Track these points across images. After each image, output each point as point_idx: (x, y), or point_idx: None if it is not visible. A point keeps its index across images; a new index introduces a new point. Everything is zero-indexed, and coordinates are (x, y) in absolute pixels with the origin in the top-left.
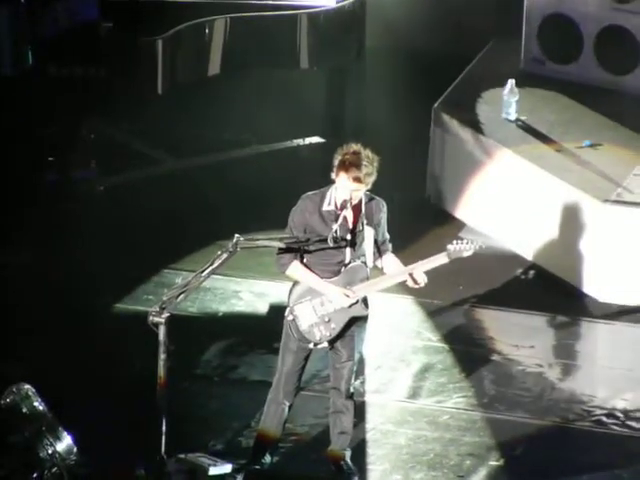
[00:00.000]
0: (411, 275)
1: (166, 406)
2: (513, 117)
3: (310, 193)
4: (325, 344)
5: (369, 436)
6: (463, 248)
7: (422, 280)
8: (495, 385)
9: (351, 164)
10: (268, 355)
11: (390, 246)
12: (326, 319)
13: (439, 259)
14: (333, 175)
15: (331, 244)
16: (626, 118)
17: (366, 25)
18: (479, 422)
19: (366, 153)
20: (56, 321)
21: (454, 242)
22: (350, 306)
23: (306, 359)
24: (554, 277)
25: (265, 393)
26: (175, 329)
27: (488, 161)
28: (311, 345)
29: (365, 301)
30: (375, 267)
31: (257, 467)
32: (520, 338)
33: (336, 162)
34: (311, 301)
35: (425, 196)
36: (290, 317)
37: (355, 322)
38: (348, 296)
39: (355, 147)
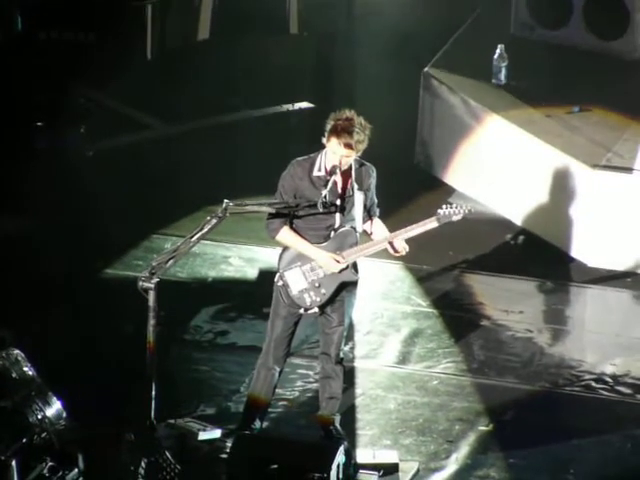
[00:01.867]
0: (391, 244)
1: (155, 371)
2: (503, 82)
3: (300, 159)
4: (315, 310)
5: (358, 401)
6: (453, 212)
7: (402, 248)
8: (484, 350)
9: (343, 130)
10: (257, 320)
11: (377, 211)
12: (316, 284)
13: (429, 224)
14: (324, 140)
15: (320, 209)
16: (615, 83)
17: None
18: (468, 387)
19: (359, 120)
20: (45, 287)
21: (444, 206)
22: (340, 271)
23: (296, 325)
24: (543, 242)
25: (255, 358)
26: (164, 294)
27: (477, 126)
28: (301, 311)
29: (355, 266)
30: (364, 232)
31: (247, 432)
32: (509, 303)
33: (328, 127)
34: (301, 267)
35: (414, 161)
36: (280, 283)
37: (345, 287)
38: (338, 261)
39: (348, 113)
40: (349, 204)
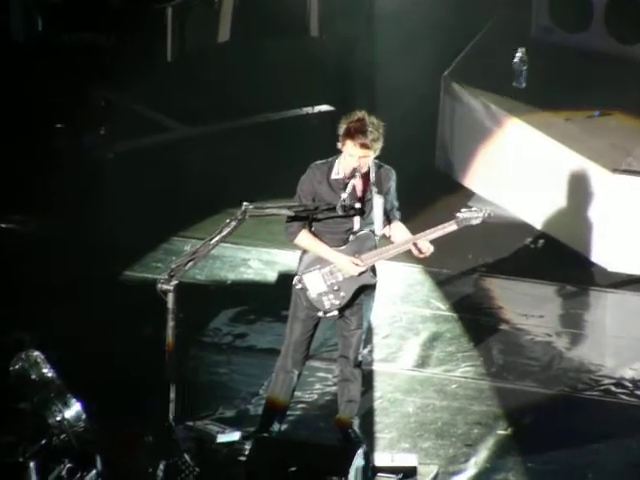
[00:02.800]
0: (415, 245)
1: (174, 373)
2: (523, 86)
3: (318, 162)
4: (334, 313)
5: (377, 404)
6: (472, 216)
7: (427, 249)
8: (503, 354)
9: (356, 131)
10: (276, 323)
11: (398, 214)
12: (335, 288)
13: (448, 227)
14: (339, 145)
15: (340, 212)
16: (636, 87)
17: None
18: (487, 391)
19: (371, 119)
20: (65, 289)
21: (463, 210)
22: (359, 275)
23: (315, 328)
24: (563, 246)
25: (274, 361)
26: (184, 297)
27: (497, 130)
28: (320, 314)
29: (373, 269)
30: (383, 236)
31: (265, 435)
32: (529, 307)
33: (341, 131)
34: (320, 270)
35: (434, 165)
36: (299, 286)
37: (364, 291)
38: (357, 264)
39: (359, 114)
40: (368, 207)
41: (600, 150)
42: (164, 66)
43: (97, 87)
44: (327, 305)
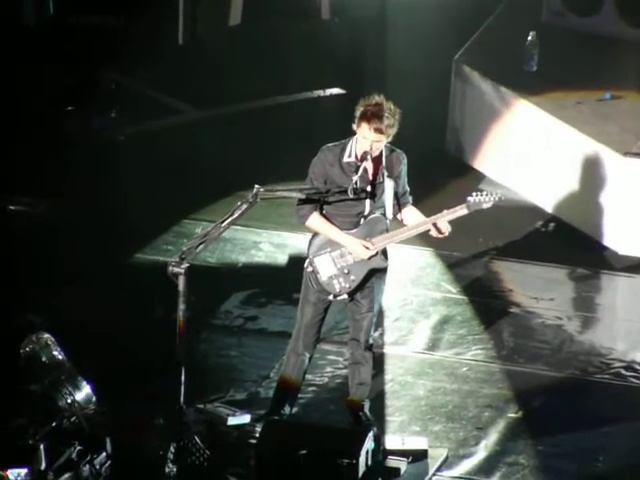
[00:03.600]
0: (435, 225)
1: (185, 356)
2: (534, 69)
3: (330, 145)
4: (345, 296)
5: (388, 387)
6: (483, 200)
7: (446, 229)
8: (514, 337)
9: (373, 115)
10: (287, 306)
11: (411, 199)
12: (345, 271)
13: (459, 211)
14: (354, 126)
15: (351, 195)
16: None
17: None
18: (498, 374)
19: (388, 105)
20: (75, 271)
21: (474, 194)
22: (369, 258)
23: (325, 311)
24: (574, 230)
25: (284, 344)
26: (195, 279)
27: (508, 113)
28: (330, 297)
29: (384, 253)
30: (395, 219)
31: (276, 417)
32: (540, 290)
33: (358, 113)
34: (330, 253)
35: (445, 148)
36: (309, 269)
37: (374, 274)
38: (367, 248)
39: (377, 99)
40: (379, 191)
41: (611, 133)
42: (175, 49)
43: (108, 70)
44: (337, 288)
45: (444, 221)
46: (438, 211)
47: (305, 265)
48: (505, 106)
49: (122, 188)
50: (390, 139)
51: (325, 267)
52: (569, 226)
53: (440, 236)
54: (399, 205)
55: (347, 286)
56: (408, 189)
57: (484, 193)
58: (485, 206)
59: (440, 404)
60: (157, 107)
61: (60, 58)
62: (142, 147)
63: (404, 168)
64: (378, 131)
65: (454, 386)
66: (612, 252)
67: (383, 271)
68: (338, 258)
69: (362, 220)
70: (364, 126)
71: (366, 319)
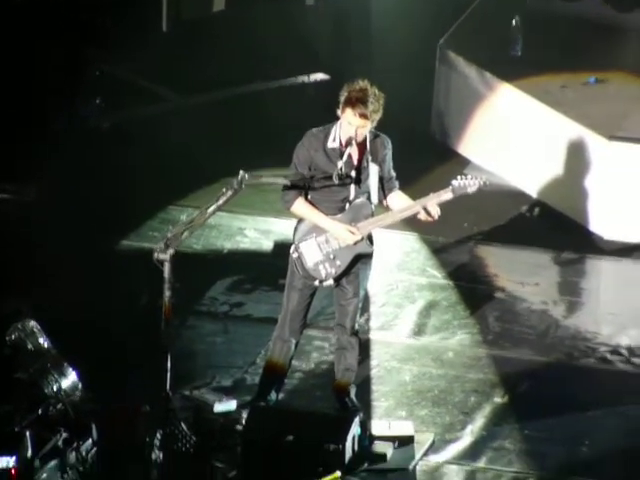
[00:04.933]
0: (425, 208)
1: (171, 343)
2: (518, 54)
3: (314, 130)
4: (330, 281)
5: (374, 373)
6: (468, 184)
7: (436, 213)
8: (500, 322)
9: (358, 100)
10: (273, 292)
11: (397, 184)
12: (331, 256)
13: (444, 195)
14: (339, 112)
15: (336, 181)
16: (631, 55)
17: None
18: (484, 359)
19: (373, 90)
20: (61, 258)
21: (458, 178)
22: (355, 243)
23: (311, 296)
24: (559, 214)
25: (270, 330)
26: (180, 266)
27: (493, 98)
28: (316, 282)
29: (370, 238)
30: (380, 205)
31: (262, 404)
32: (525, 275)
33: (342, 99)
34: (316, 238)
35: (430, 133)
36: (295, 255)
37: (360, 259)
38: (353, 233)
39: (362, 84)
40: (364, 176)
41: (596, 117)
42: (159, 36)
43: (93, 56)
44: (323, 274)
45: (434, 204)
46: (423, 196)
47: (291, 251)
48: (490, 91)
49: (107, 175)
50: (375, 124)
51: (311, 253)
52: (554, 211)
53: (429, 219)
54: (385, 190)
55: (333, 271)
56: (394, 174)
57: (469, 177)
58: (470, 190)
59: (426, 389)
60: (142, 94)
61: (45, 44)
62: (127, 134)
63: (389, 153)
64: (363, 116)
65: (440, 371)
66: (597, 236)
67: (369, 256)
68: (324, 243)
69: (347, 205)
70: (348, 112)
71: (352, 304)
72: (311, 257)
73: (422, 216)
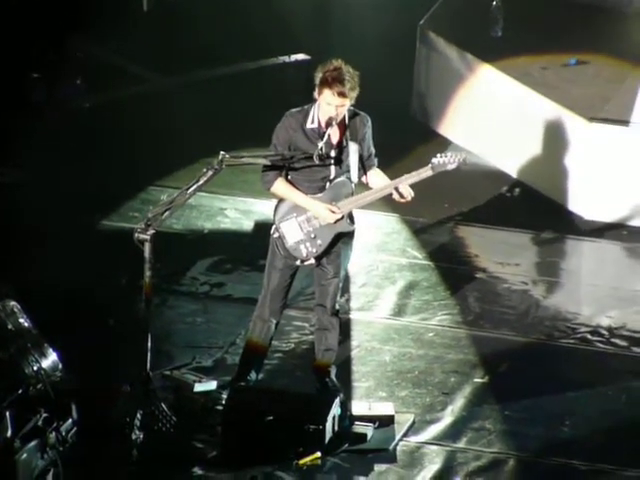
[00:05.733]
0: (397, 189)
1: (151, 323)
2: (499, 34)
3: (293, 110)
4: (312, 261)
5: (354, 353)
6: (447, 161)
7: (408, 194)
8: (480, 302)
9: (334, 80)
10: (253, 272)
11: (376, 161)
12: (312, 235)
13: (423, 173)
14: (315, 94)
15: (317, 162)
16: (612, 36)
17: None
18: (464, 339)
19: (347, 68)
20: (42, 239)
21: (438, 155)
22: (336, 222)
23: (292, 277)
24: (539, 195)
25: (251, 310)
26: (160, 246)
27: (474, 79)
28: (297, 262)
29: (351, 217)
30: (361, 183)
31: (243, 384)
32: (505, 256)
33: (317, 80)
34: (297, 218)
35: (410, 113)
36: (276, 234)
37: (341, 238)
38: (333, 212)
39: (336, 63)
40: (344, 155)
41: (577, 98)
42: (140, 15)
43: (74, 37)
44: (304, 253)
45: (406, 185)
46: (403, 175)
47: (271, 231)
48: (470, 72)
49: (88, 156)
50: (353, 102)
51: (292, 232)
52: (535, 191)
53: (402, 200)
54: (364, 168)
55: (314, 250)
56: (373, 151)
57: (448, 154)
58: (450, 167)
59: (406, 370)
60: (123, 75)
61: (25, 25)
62: (108, 115)
63: (368, 131)
64: (341, 95)
65: (420, 352)
66: (578, 217)
67: (350, 235)
68: (304, 223)
69: (328, 184)
70: (326, 92)
71: (332, 284)
72: (292, 236)
73: (395, 196)
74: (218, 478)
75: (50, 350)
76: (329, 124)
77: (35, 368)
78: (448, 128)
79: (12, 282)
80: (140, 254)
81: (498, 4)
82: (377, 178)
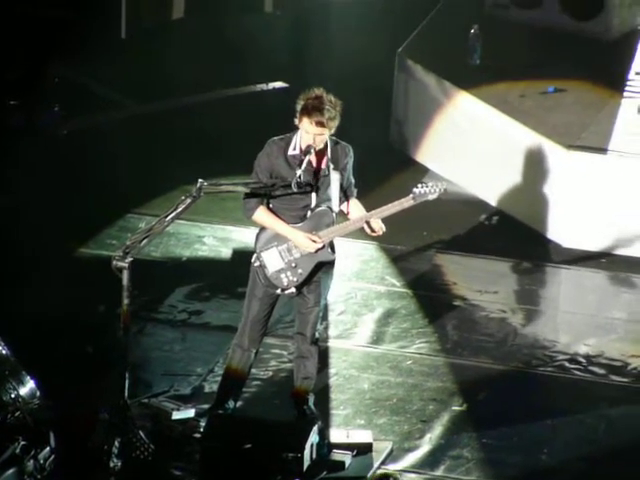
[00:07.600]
0: (368, 223)
1: (129, 351)
2: (477, 62)
3: (276, 138)
4: (292, 290)
5: (332, 381)
6: (429, 191)
7: (379, 228)
8: (458, 330)
9: (314, 108)
10: (232, 300)
11: (355, 191)
12: (293, 264)
13: (405, 202)
14: (296, 121)
15: (295, 189)
16: (590, 64)
17: None
18: (442, 367)
19: (329, 97)
20: (19, 266)
21: (419, 185)
22: (317, 251)
23: (272, 305)
24: (518, 223)
25: (229, 338)
26: (138, 274)
27: (452, 106)
28: (278, 291)
29: (332, 246)
30: (341, 212)
31: (221, 412)
32: (484, 284)
33: (298, 107)
34: (278, 247)
35: (389, 141)
36: (257, 263)
37: (322, 267)
38: (314, 241)
39: (317, 91)
40: (324, 184)
41: (555, 126)
42: (118, 42)
43: (52, 64)
44: (285, 282)
45: (378, 220)
46: (382, 204)
47: (252, 260)
48: (448, 99)
49: (65, 183)
50: (333, 131)
51: (273, 261)
52: (513, 219)
53: (373, 234)
54: (346, 198)
55: (295, 280)
56: (353, 181)
57: (429, 184)
58: (431, 197)
59: (384, 397)
60: (101, 101)
61: (3, 50)
62: (85, 141)
63: (350, 161)
64: (320, 124)
65: (398, 379)
66: (556, 245)
67: (330, 265)
68: (285, 252)
69: (308, 213)
70: (305, 120)
71: (312, 313)
72: (273, 265)
73: (367, 230)
74: None
75: (28, 378)
76: (307, 152)
77: (13, 395)
78: (426, 156)
79: None
80: (118, 282)
81: (476, 32)
82: (355, 208)
